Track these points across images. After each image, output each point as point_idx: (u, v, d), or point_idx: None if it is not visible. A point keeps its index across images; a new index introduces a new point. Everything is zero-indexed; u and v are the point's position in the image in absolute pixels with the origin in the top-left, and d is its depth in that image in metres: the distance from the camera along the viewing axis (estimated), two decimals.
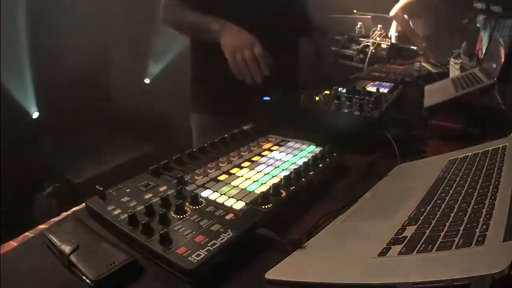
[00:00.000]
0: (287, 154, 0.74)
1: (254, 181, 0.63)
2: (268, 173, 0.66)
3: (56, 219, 0.59)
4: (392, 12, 2.51)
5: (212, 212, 0.54)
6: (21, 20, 1.93)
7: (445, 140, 0.83)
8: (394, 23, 2.57)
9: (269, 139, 0.83)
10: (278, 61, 0.94)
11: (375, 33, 2.55)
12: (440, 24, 2.39)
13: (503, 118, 0.97)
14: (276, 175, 0.65)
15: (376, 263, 0.38)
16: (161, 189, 0.61)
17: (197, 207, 0.55)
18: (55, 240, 0.49)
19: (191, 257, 0.44)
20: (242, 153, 0.75)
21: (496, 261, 0.29)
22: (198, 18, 1.04)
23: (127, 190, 0.60)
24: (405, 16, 2.48)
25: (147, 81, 2.81)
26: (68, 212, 0.61)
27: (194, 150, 0.74)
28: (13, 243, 0.52)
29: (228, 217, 0.52)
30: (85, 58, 2.16)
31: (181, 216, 0.52)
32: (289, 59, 1.24)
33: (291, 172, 0.64)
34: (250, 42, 0.92)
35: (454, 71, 1.64)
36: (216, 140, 0.79)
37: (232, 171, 0.67)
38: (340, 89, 1.04)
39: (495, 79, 0.98)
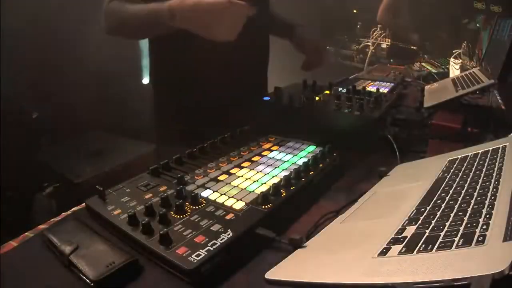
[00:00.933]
0: (287, 154, 0.74)
1: (254, 181, 0.63)
2: (268, 173, 0.66)
3: (56, 219, 0.59)
4: (379, 18, 2.54)
5: (212, 212, 0.54)
6: (20, 20, 1.93)
7: (445, 140, 0.83)
8: None
9: (269, 139, 0.83)
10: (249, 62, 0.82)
11: (375, 33, 2.56)
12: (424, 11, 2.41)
13: (503, 118, 0.98)
14: (276, 175, 0.65)
15: (376, 263, 0.38)
16: (161, 189, 0.61)
17: (197, 207, 0.55)
18: (55, 240, 0.49)
19: (191, 257, 0.44)
20: (242, 153, 0.75)
21: (496, 261, 0.29)
22: (142, 6, 0.82)
23: (127, 190, 0.60)
24: (391, 17, 2.50)
25: (145, 81, 2.81)
26: (68, 212, 0.61)
27: (194, 150, 0.74)
28: (13, 243, 0.52)
29: (228, 217, 0.52)
30: (84, 57, 2.16)
31: (181, 216, 0.52)
32: (259, 58, 1.13)
33: (291, 172, 0.64)
34: (221, 4, 0.70)
35: (454, 71, 1.65)
36: (216, 140, 0.79)
37: (232, 171, 0.67)
38: (340, 89, 1.04)
39: (495, 79, 0.98)
